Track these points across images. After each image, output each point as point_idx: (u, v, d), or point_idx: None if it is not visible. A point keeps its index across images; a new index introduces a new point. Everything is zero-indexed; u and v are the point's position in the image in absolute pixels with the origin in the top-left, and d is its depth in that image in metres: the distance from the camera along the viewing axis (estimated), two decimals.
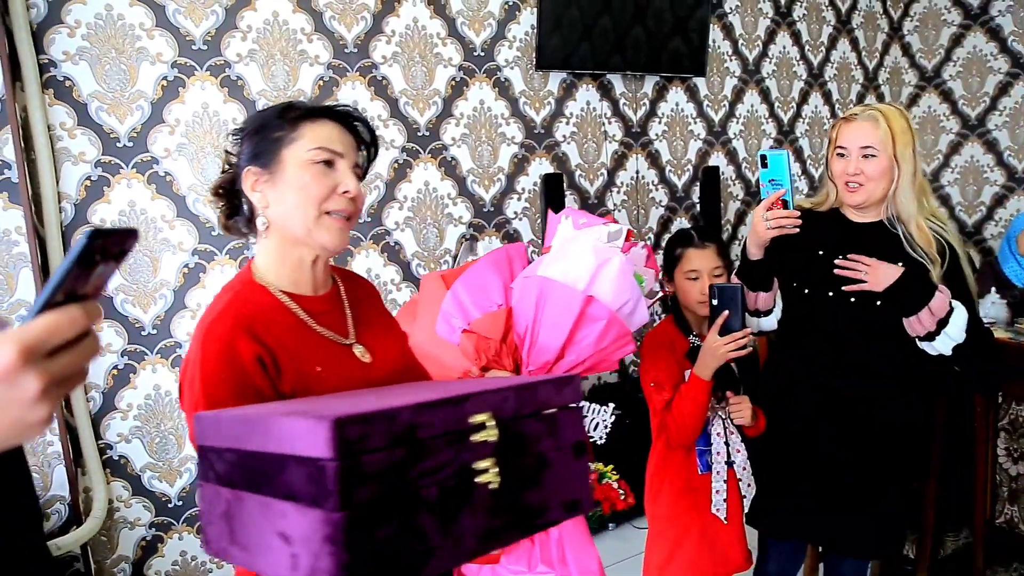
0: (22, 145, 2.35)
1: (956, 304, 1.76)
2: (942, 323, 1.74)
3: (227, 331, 1.09)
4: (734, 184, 4.08)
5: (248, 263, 1.26)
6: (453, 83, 3.13)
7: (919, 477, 2.00)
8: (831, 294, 1.85)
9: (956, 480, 2.11)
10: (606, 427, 1.62)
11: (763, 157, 1.78)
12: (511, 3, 3.23)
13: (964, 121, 4.51)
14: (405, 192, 3.07)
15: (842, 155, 1.83)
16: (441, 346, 1.46)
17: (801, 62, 4.31)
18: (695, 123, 3.89)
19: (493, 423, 0.78)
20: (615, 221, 1.53)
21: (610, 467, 1.56)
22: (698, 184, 3.89)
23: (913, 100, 4.77)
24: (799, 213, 1.77)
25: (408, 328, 1.56)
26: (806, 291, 1.90)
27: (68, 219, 2.47)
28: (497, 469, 0.79)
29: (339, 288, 1.29)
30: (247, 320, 1.11)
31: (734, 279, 1.88)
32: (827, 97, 4.49)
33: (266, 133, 1.20)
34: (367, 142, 1.28)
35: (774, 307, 1.97)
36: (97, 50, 2.48)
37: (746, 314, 1.81)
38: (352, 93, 2.92)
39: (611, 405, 1.67)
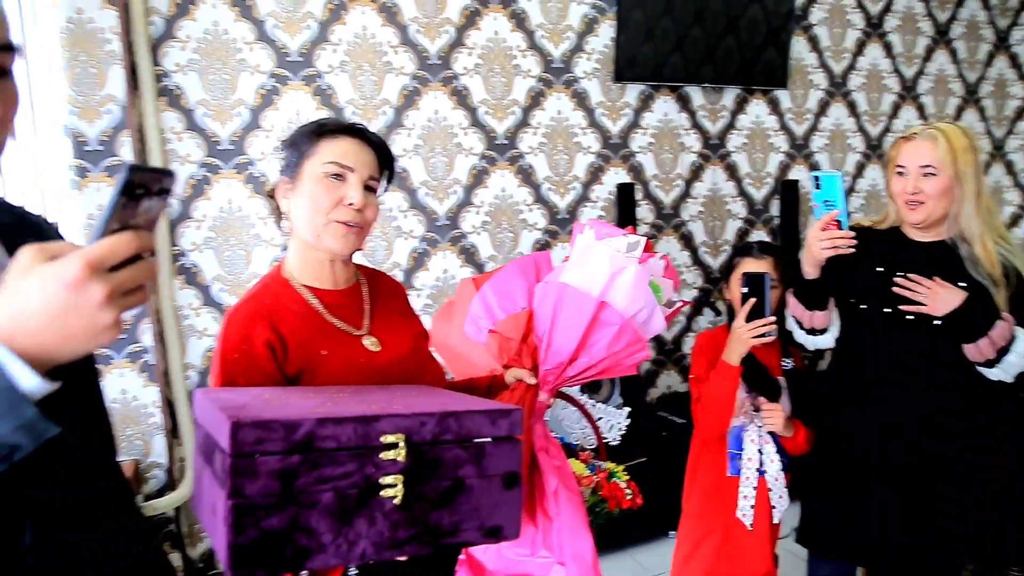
0: (139, 147, 2.62)
1: (1019, 331, 1.73)
2: (1003, 351, 1.72)
3: (247, 320, 1.25)
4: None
5: (278, 264, 1.41)
6: (532, 94, 3.26)
7: (979, 505, 1.92)
8: (887, 311, 1.85)
9: (1018, 509, 2.06)
10: (621, 430, 1.68)
11: (816, 179, 1.81)
12: (590, 16, 3.33)
13: None
14: (482, 197, 3.21)
15: (901, 174, 1.84)
16: (470, 345, 1.57)
17: (893, 74, 4.23)
18: (776, 136, 3.87)
19: (403, 445, 0.85)
20: (635, 233, 1.60)
21: (621, 467, 1.61)
22: (778, 197, 3.87)
23: (1020, 114, 4.59)
24: (853, 233, 1.78)
25: (444, 329, 1.69)
26: (862, 307, 1.90)
27: (175, 215, 2.73)
28: (402, 487, 0.85)
29: (361, 285, 1.43)
30: (267, 309, 1.27)
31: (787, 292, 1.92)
32: (921, 110, 4.37)
33: (295, 148, 1.35)
34: (387, 159, 1.39)
35: (830, 326, 1.98)
36: (204, 61, 2.73)
37: (769, 303, 1.85)
38: (434, 102, 3.08)
39: (627, 409, 1.74)
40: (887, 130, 4.25)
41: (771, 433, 1.92)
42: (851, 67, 4.08)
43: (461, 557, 1.45)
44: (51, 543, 0.79)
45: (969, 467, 1.86)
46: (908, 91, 4.31)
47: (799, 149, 3.96)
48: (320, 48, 2.89)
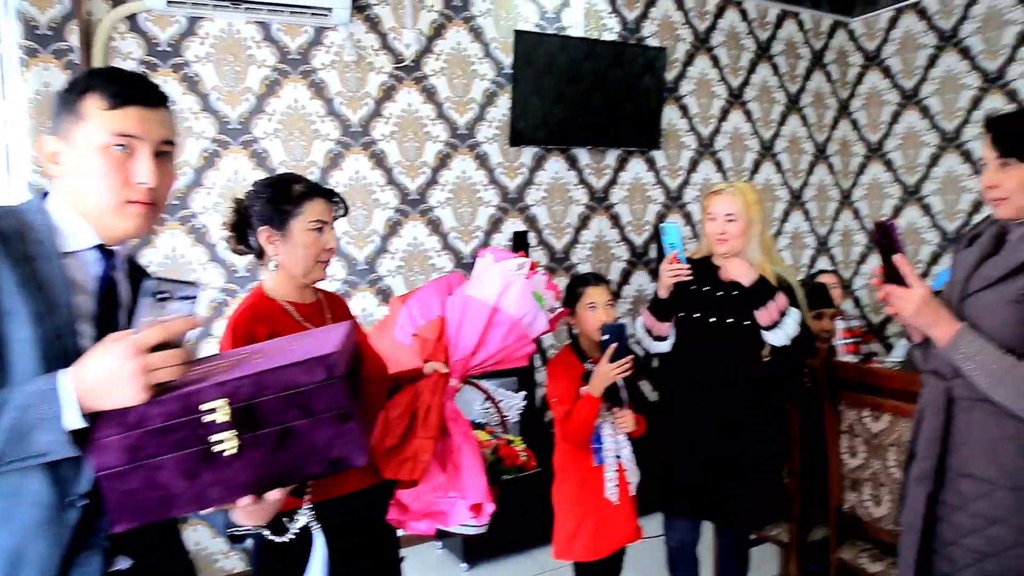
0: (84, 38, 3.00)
1: (791, 309, 2.38)
2: (782, 316, 2.35)
3: (249, 320, 1.69)
4: (690, 242, 4.68)
5: (259, 284, 1.84)
6: (440, 156, 3.79)
7: (779, 462, 2.60)
8: (707, 318, 2.48)
9: (815, 477, 2.66)
10: (518, 410, 2.17)
11: (661, 228, 2.44)
12: (490, 90, 3.90)
13: (904, 188, 5.09)
14: (397, 245, 3.71)
15: (712, 219, 2.46)
16: (399, 349, 2.04)
17: (753, 136, 4.94)
18: (653, 189, 4.51)
19: (226, 407, 0.99)
20: (527, 257, 2.10)
21: (519, 438, 2.08)
22: (656, 243, 4.49)
23: (861, 169, 5.38)
24: (690, 267, 2.41)
25: (380, 338, 2.16)
26: (691, 316, 2.51)
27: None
28: (236, 439, 1.00)
29: (322, 302, 1.90)
30: (263, 314, 1.72)
31: (621, 319, 2.50)
32: (778, 166, 5.11)
33: (278, 204, 1.78)
34: (343, 209, 1.90)
35: (669, 336, 2.56)
36: None
37: (628, 346, 2.41)
38: (356, 164, 3.58)
39: (523, 393, 2.23)
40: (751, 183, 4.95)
41: None
42: (717, 131, 4.77)
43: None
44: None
45: (767, 437, 2.49)
46: (767, 150, 5.04)
47: (673, 200, 4.61)
48: (257, 117, 3.36)
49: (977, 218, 4.28)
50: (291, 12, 3.25)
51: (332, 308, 1.92)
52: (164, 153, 1.20)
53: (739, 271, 2.39)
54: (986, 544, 1.68)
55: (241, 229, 1.84)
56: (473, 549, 3.48)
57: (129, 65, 3.06)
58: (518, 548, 3.57)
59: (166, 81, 3.16)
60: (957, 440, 1.74)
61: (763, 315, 2.37)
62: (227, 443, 1.00)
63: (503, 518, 2.04)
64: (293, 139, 3.44)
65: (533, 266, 2.01)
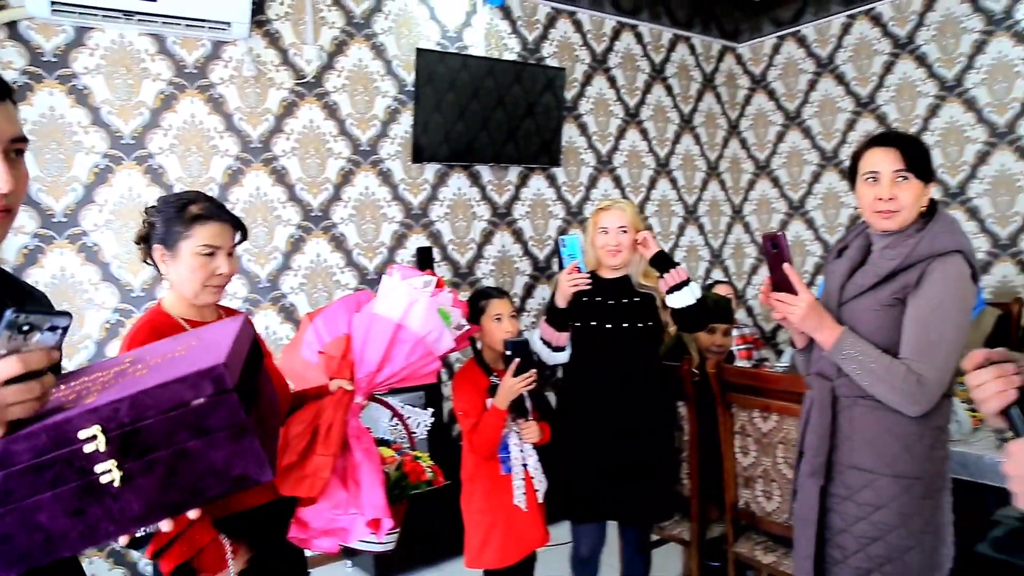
0: None
1: (692, 283, 2.52)
2: (684, 283, 2.49)
3: (147, 335, 1.66)
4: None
5: (158, 301, 1.83)
6: (343, 173, 3.78)
7: (673, 460, 2.76)
8: (603, 325, 2.59)
9: (712, 477, 2.79)
10: (426, 427, 2.18)
11: (562, 240, 2.53)
12: (392, 107, 3.92)
13: (790, 203, 5.39)
14: (300, 262, 3.68)
15: (605, 232, 2.58)
16: (307, 367, 2.03)
17: (649, 154, 5.13)
18: (554, 205, 4.62)
19: (101, 435, 0.88)
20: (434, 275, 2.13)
21: (427, 454, 2.09)
22: (558, 256, 4.60)
23: (750, 185, 5.66)
24: (589, 276, 2.51)
25: (289, 357, 2.15)
26: (588, 324, 2.61)
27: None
28: (117, 470, 0.89)
29: (222, 319, 1.88)
30: (160, 330, 1.69)
31: (524, 335, 2.57)
32: (674, 183, 5.32)
33: (170, 226, 1.76)
34: (240, 230, 1.85)
35: (567, 346, 2.65)
36: (40, 142, 3.03)
37: (533, 362, 2.48)
38: (256, 180, 3.53)
39: (430, 410, 2.25)
40: (647, 199, 5.14)
41: None
42: (615, 148, 4.93)
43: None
44: None
45: (661, 437, 2.63)
46: (662, 167, 5.24)
47: (574, 216, 4.74)
48: (152, 132, 3.27)
49: None
50: (187, 25, 3.19)
51: None
52: (15, 152, 1.06)
53: (652, 241, 2.53)
54: (872, 529, 1.84)
55: (147, 243, 1.81)
56: (383, 565, 3.47)
57: (9, 76, 2.94)
58: (429, 561, 3.57)
59: (52, 93, 3.05)
60: (842, 435, 1.89)
61: (670, 278, 2.50)
62: (112, 473, 0.90)
63: (414, 532, 2.05)
64: (191, 155, 3.37)
65: (440, 283, 2.02)
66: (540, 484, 2.51)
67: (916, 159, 1.81)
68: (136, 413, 0.90)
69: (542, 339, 2.64)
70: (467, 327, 2.13)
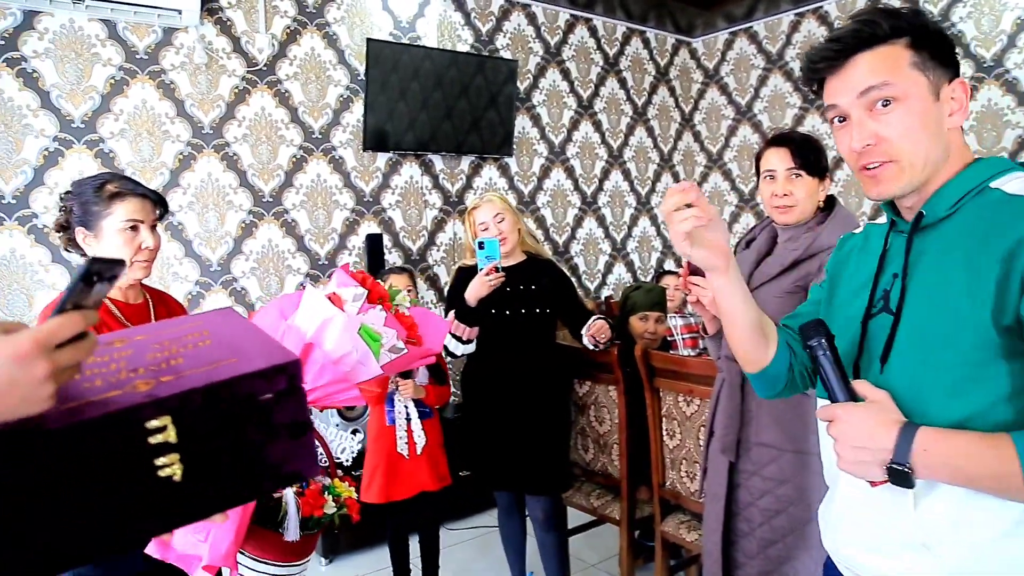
0: None
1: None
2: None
3: None
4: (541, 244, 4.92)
5: None
6: (294, 159, 3.85)
7: (561, 435, 2.95)
8: (503, 311, 2.76)
9: (640, 458, 2.92)
10: (352, 451, 2.20)
11: (481, 243, 2.64)
12: (344, 96, 3.99)
13: (741, 195, 5.54)
14: (251, 247, 3.75)
15: (485, 227, 2.73)
16: None
17: (603, 145, 5.25)
18: (508, 194, 4.72)
19: (171, 425, 0.83)
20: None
21: (344, 484, 1.90)
22: None
23: (704, 178, 5.79)
24: (504, 276, 2.64)
25: None
26: (490, 312, 2.75)
27: None
28: (180, 463, 0.84)
29: (148, 302, 1.93)
30: None
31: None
32: (627, 174, 5.44)
33: (89, 207, 1.78)
34: (160, 204, 1.87)
35: (474, 339, 2.80)
36: None
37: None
38: (208, 166, 3.59)
39: (358, 432, 2.31)
40: (600, 189, 5.26)
41: None
42: (568, 139, 5.04)
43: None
44: None
45: (555, 412, 2.85)
46: (615, 159, 5.35)
47: (527, 205, 4.84)
48: (103, 117, 3.32)
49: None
50: (136, 12, 3.24)
51: (159, 307, 1.95)
52: None
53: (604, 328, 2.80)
54: (776, 502, 1.98)
55: (69, 229, 1.85)
56: (329, 544, 3.57)
57: None
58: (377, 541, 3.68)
59: (0, 76, 3.09)
60: (750, 414, 2.03)
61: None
62: (174, 467, 0.84)
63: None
64: (142, 139, 3.42)
65: (373, 298, 1.76)
66: (420, 439, 2.80)
67: (807, 157, 1.95)
68: (208, 404, 0.86)
69: (451, 333, 2.76)
70: (405, 351, 1.91)
